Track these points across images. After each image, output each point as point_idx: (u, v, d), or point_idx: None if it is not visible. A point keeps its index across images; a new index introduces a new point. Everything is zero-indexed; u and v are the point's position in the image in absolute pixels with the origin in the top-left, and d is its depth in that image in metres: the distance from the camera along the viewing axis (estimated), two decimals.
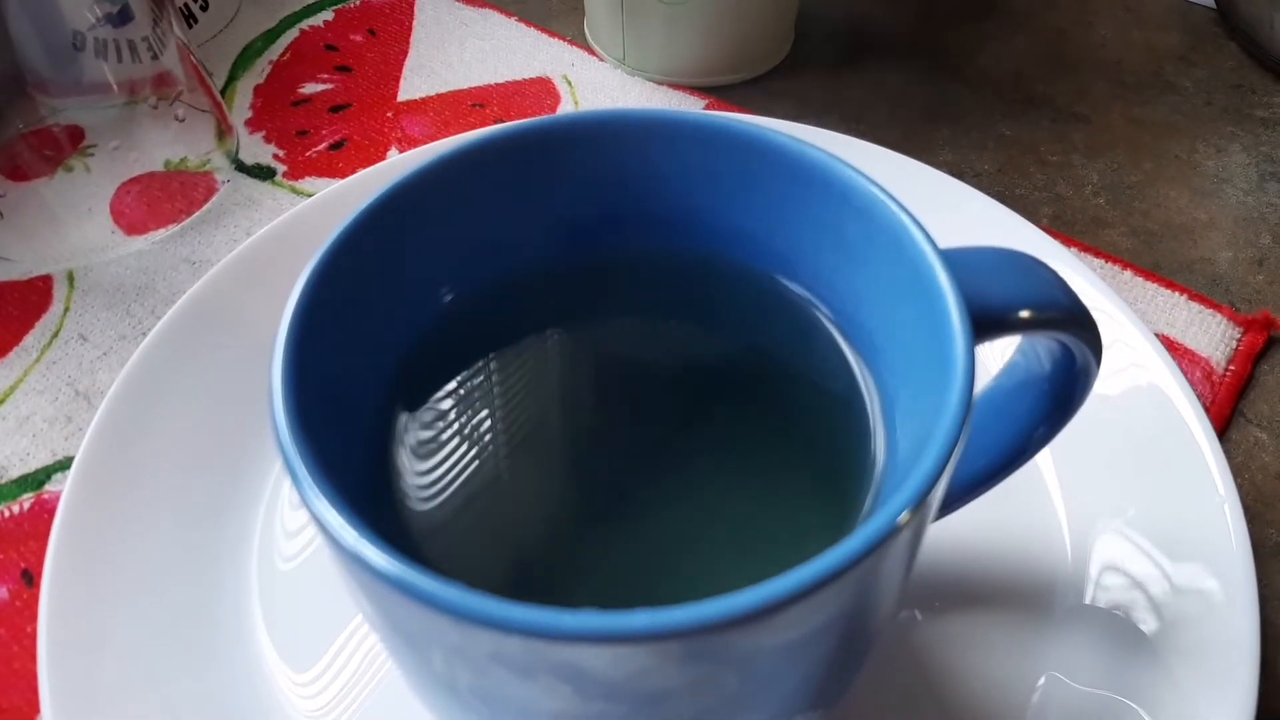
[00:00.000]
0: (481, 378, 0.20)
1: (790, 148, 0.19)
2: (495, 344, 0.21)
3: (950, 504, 0.21)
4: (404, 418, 0.20)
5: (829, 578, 0.13)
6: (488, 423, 0.20)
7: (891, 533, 0.14)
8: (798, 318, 0.21)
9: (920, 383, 0.17)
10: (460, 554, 0.18)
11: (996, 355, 0.25)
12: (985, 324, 0.16)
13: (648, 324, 0.22)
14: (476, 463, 0.19)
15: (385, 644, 0.18)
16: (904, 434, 0.18)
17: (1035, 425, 0.20)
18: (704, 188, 0.20)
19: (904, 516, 0.14)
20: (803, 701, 0.17)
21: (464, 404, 0.20)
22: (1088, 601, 0.23)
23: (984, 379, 0.20)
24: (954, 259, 0.17)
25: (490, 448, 0.19)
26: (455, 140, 0.32)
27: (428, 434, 0.20)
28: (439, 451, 0.19)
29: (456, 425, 0.20)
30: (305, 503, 0.15)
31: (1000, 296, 0.17)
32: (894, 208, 0.18)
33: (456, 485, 0.19)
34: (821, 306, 0.21)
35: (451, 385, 0.20)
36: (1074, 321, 0.18)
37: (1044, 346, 0.19)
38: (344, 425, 0.17)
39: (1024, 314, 0.17)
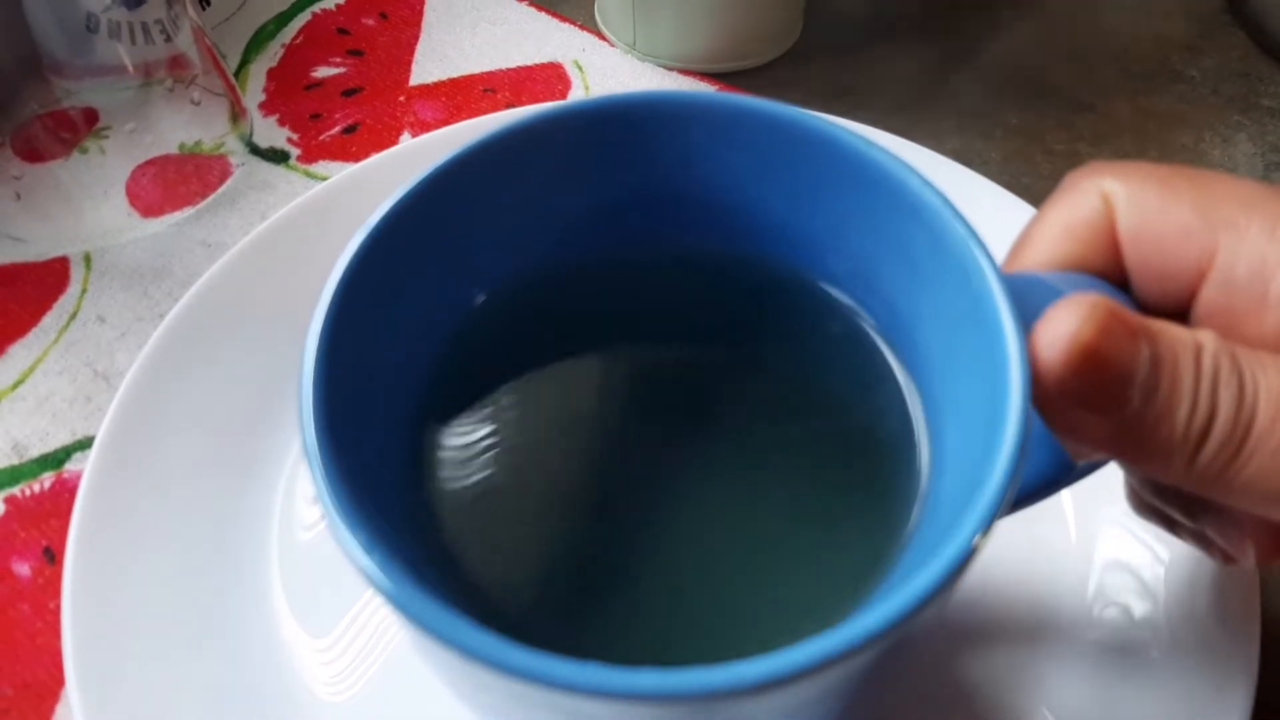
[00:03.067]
0: (514, 385, 0.20)
1: (860, 149, 0.18)
2: (528, 350, 0.20)
3: None
4: (435, 425, 0.19)
5: (843, 655, 0.13)
6: (518, 433, 0.19)
7: (923, 602, 0.13)
8: (845, 329, 0.20)
9: (971, 417, 0.16)
10: (488, 564, 0.18)
11: None
12: None
13: (685, 329, 0.21)
14: (507, 473, 0.19)
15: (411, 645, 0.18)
16: (952, 466, 0.17)
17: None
18: (750, 183, 0.19)
19: (936, 586, 0.13)
20: None
21: (495, 413, 0.19)
22: (1093, 601, 0.23)
23: None
24: (1018, 287, 0.16)
25: (521, 458, 0.19)
26: (478, 124, 0.32)
27: (458, 443, 0.19)
28: (469, 462, 0.19)
29: (487, 435, 0.19)
30: (338, 541, 0.15)
31: None
32: (963, 230, 0.17)
33: (487, 496, 0.18)
34: (869, 318, 0.20)
35: (483, 393, 0.20)
36: None
37: None
38: (375, 433, 0.17)
39: None
